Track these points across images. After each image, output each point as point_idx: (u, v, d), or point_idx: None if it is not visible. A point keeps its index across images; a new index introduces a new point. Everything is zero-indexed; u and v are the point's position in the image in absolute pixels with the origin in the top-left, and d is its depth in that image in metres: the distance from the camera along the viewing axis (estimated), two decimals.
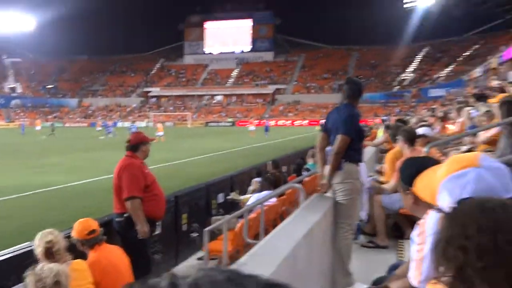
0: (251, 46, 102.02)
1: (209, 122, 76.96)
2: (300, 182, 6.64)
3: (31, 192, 12.66)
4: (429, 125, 9.45)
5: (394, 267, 2.78)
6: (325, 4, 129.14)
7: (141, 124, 52.97)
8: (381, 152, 9.77)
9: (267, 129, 41.90)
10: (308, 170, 8.75)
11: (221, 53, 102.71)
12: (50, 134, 41.60)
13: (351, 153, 4.43)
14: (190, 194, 8.08)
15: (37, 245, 3.43)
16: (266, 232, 4.80)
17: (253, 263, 2.63)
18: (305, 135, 37.87)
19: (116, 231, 4.98)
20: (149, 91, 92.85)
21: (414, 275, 1.68)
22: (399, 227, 5.56)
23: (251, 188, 8.80)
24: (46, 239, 3.42)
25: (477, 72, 46.84)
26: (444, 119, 11.57)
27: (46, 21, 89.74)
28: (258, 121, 59.87)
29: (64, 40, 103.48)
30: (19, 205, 11.15)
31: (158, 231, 5.38)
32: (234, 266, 2.64)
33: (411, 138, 5.72)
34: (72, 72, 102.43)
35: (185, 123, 75.47)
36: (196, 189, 8.64)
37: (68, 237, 3.85)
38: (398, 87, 79.27)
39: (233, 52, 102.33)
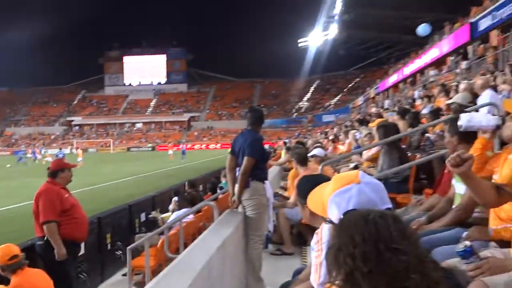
0: (167, 79, 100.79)
1: (130, 147, 74.08)
2: (215, 199, 6.65)
3: None
4: (322, 146, 9.87)
5: (298, 272, 2.76)
6: (232, 43, 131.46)
7: (66, 151, 50.02)
8: (285, 170, 9.96)
9: (183, 152, 41.34)
10: (221, 188, 8.77)
11: (139, 84, 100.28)
12: None
13: (257, 172, 4.50)
14: (113, 215, 7.78)
15: None
16: (186, 246, 4.74)
17: (173, 275, 2.60)
18: (218, 157, 37.78)
19: (38, 254, 4.68)
20: (72, 120, 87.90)
21: (314, 278, 1.66)
22: (302, 235, 5.62)
23: (171, 207, 8.64)
24: None
25: (359, 100, 49.50)
26: (335, 140, 12.14)
27: None
28: (176, 145, 58.79)
29: None
30: None
31: (82, 251, 5.13)
32: (156, 280, 2.61)
33: (302, 159, 5.89)
34: None
35: (108, 149, 72.11)
36: (118, 210, 8.33)
37: None
38: (296, 113, 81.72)
39: (151, 84, 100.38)
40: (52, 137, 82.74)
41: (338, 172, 6.46)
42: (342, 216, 1.27)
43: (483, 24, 22.18)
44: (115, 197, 14.29)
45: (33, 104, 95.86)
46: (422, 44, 35.02)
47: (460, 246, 1.91)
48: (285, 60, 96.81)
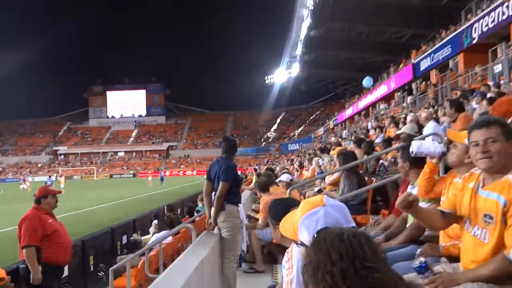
0: (147, 112, 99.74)
1: (113, 174, 72.15)
2: (192, 222, 6.51)
3: None
4: (289, 172, 9.89)
5: None
6: (206, 79, 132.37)
7: (52, 178, 48.19)
8: (255, 194, 9.90)
9: (162, 178, 40.55)
10: (198, 211, 8.61)
11: (121, 117, 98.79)
12: None
13: (231, 196, 4.47)
14: (96, 238, 7.53)
15: None
16: (165, 266, 4.59)
17: None
18: (195, 183, 37.34)
19: (22, 277, 4.45)
20: (58, 150, 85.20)
21: None
22: (273, 254, 5.56)
23: (151, 229, 8.42)
24: None
25: (320, 131, 50.10)
26: (300, 167, 12.17)
27: None
28: (155, 172, 57.77)
29: None
30: None
31: (65, 273, 4.89)
32: None
33: (263, 187, 6.01)
34: None
35: (91, 176, 70.08)
36: (101, 233, 8.07)
37: None
38: (265, 143, 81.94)
39: (132, 116, 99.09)
40: (39, 165, 79.74)
41: (304, 195, 6.47)
42: (315, 235, 1.25)
43: (424, 65, 23.18)
44: (99, 221, 13.77)
45: (20, 135, 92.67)
46: (373, 81, 36.13)
47: (416, 262, 1.93)
48: (254, 95, 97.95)
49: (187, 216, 9.10)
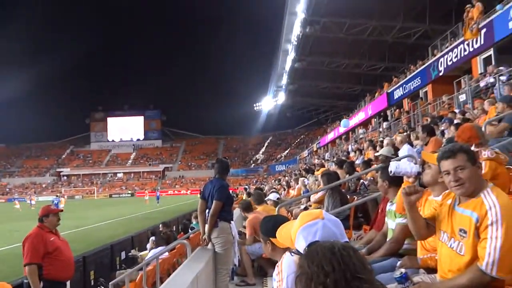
0: (144, 136, 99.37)
1: (112, 194, 70.98)
2: (187, 238, 6.41)
3: None
4: (277, 191, 9.86)
5: None
6: (200, 106, 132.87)
7: (54, 197, 47.07)
8: None
9: (158, 198, 40.00)
10: (193, 228, 8.49)
11: (121, 140, 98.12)
12: None
13: (224, 214, 4.43)
14: (96, 254, 7.34)
15: None
16: (162, 281, 4.48)
17: None
18: (189, 202, 36.93)
19: None
20: (61, 171, 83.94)
21: None
22: (263, 268, 5.52)
23: (149, 245, 8.25)
24: None
25: (305, 153, 50.20)
26: (287, 186, 12.13)
27: None
28: (152, 192, 57.04)
29: None
30: None
31: None
32: None
33: (246, 207, 6.03)
34: None
35: (92, 196, 68.82)
36: (101, 249, 7.87)
37: None
38: (254, 164, 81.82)
39: (130, 140, 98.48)
40: (44, 185, 78.35)
41: (292, 213, 6.44)
42: (307, 248, 1.23)
43: (397, 94, 23.65)
44: (99, 238, 13.47)
45: (26, 158, 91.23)
46: (352, 109, 36.68)
47: (397, 273, 1.93)
48: (244, 120, 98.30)
49: (182, 233, 8.96)
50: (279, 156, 78.50)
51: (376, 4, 22.89)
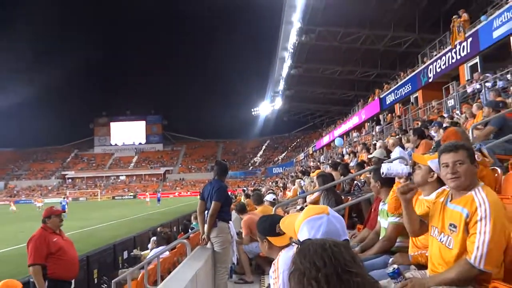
0: (146, 140, 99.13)
1: (115, 196, 70.61)
2: (187, 238, 6.39)
3: None
4: (274, 192, 9.86)
5: None
6: (200, 111, 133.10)
7: (59, 199, 46.85)
8: None
9: (159, 199, 39.88)
10: (193, 228, 8.47)
11: (123, 144, 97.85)
12: None
13: (222, 214, 4.41)
14: (100, 253, 7.30)
15: None
16: (163, 278, 4.47)
17: None
18: (189, 203, 36.83)
19: None
20: (66, 174, 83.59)
21: None
22: (260, 266, 5.50)
23: (150, 245, 8.22)
24: None
25: (301, 156, 50.27)
26: (284, 187, 12.12)
27: None
28: (153, 194, 56.83)
29: None
30: None
31: (72, 286, 4.71)
32: None
33: (241, 209, 6.08)
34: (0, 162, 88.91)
35: (96, 198, 68.47)
36: (104, 248, 7.82)
37: None
38: (252, 167, 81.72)
39: (133, 144, 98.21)
40: (49, 188, 78.06)
41: (288, 213, 6.44)
42: (299, 246, 1.20)
43: (389, 99, 23.75)
44: (102, 238, 13.42)
45: (33, 161, 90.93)
46: (346, 113, 36.78)
47: (390, 269, 1.94)
48: (242, 125, 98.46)
49: (182, 233, 8.93)
50: (276, 159, 78.46)
51: (369, 15, 23.08)
